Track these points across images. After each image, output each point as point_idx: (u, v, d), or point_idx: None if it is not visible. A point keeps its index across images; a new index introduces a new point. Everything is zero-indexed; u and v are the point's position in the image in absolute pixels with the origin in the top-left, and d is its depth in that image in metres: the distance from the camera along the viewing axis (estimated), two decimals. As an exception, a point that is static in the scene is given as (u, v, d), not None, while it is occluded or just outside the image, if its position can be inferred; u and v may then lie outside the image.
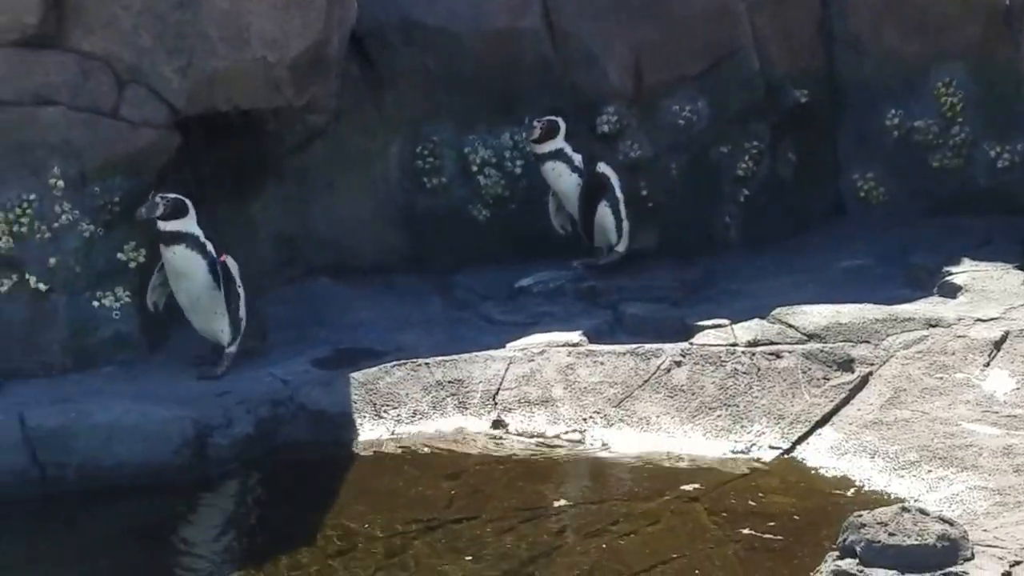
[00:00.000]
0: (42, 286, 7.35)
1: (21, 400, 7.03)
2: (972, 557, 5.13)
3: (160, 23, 7.43)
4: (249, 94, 7.66)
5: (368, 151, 8.55)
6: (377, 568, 5.82)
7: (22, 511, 6.51)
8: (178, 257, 7.35)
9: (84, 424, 6.80)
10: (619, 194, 8.36)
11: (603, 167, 8.32)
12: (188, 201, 7.31)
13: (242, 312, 7.41)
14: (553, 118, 8.29)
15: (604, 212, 8.37)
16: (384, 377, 7.30)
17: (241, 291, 7.39)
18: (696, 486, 6.42)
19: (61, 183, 7.37)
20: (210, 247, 7.34)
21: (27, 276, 7.33)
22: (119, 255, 7.55)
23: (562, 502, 6.48)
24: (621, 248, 8.45)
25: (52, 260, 7.36)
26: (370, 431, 7.08)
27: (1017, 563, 5.16)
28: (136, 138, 7.50)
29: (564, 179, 8.34)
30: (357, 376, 7.29)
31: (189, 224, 7.32)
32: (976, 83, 9.04)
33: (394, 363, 7.38)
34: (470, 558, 5.89)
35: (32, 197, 7.32)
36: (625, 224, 8.41)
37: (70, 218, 7.42)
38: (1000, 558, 5.18)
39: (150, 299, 7.54)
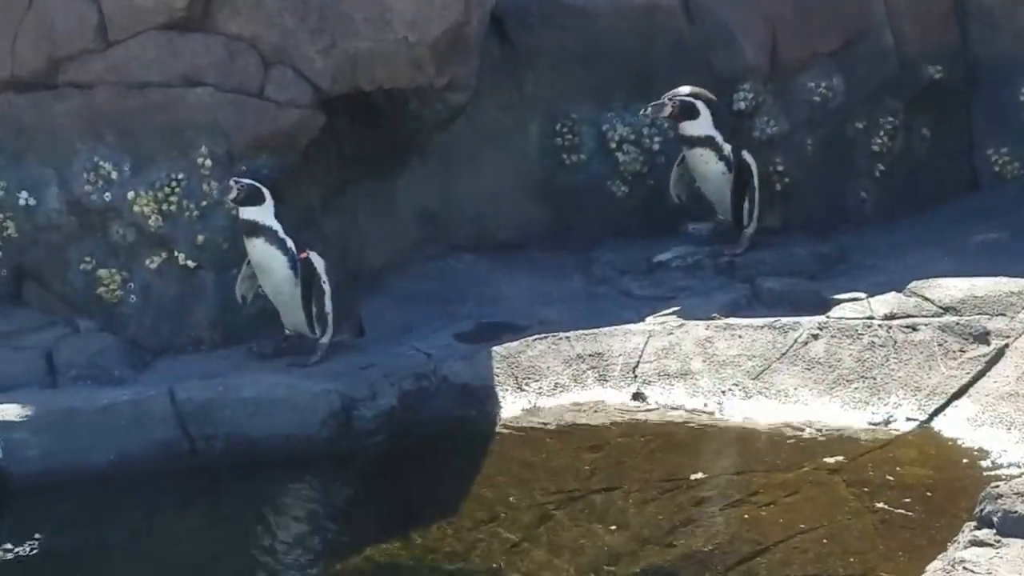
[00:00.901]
0: (190, 263, 7.27)
1: (171, 375, 7.04)
2: None
3: (303, 5, 7.37)
4: (391, 74, 7.50)
5: (508, 129, 8.42)
6: (521, 539, 5.77)
7: (173, 483, 6.49)
8: (257, 251, 7.19)
9: (232, 398, 6.75)
10: (756, 182, 8.12)
11: (747, 156, 8.07)
12: (265, 190, 7.12)
13: (328, 307, 7.19)
14: (689, 100, 7.97)
15: (745, 201, 8.16)
16: (525, 351, 7.14)
17: (327, 287, 7.16)
18: (834, 458, 6.25)
19: (209, 162, 7.28)
20: (290, 243, 7.11)
21: (176, 253, 7.26)
22: None
23: (701, 474, 6.31)
24: (750, 230, 8.16)
25: (200, 238, 7.28)
26: (511, 404, 6.92)
27: None
28: (282, 118, 7.41)
29: (711, 167, 8.05)
30: (499, 350, 7.14)
31: (266, 215, 7.11)
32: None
33: (535, 337, 7.23)
34: (612, 528, 5.85)
35: (181, 176, 7.24)
36: (756, 209, 8.16)
37: (218, 196, 7.32)
38: None
39: (239, 291, 7.34)
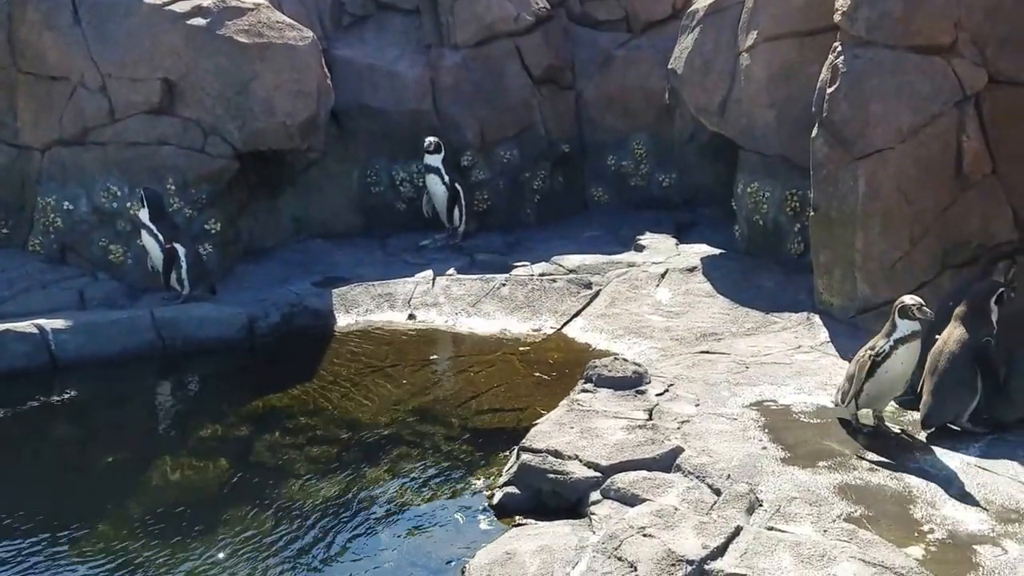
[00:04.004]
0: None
1: (150, 304, 6.82)
2: (649, 382, 5.34)
3: (227, 102, 7.28)
4: (276, 141, 7.46)
5: (340, 172, 8.26)
6: (347, 391, 5.87)
7: (153, 364, 6.39)
8: (144, 239, 6.85)
9: (187, 315, 6.68)
10: (463, 201, 7.96)
11: (458, 184, 7.97)
12: (147, 203, 6.74)
13: (184, 276, 6.79)
14: (435, 141, 7.92)
15: (459, 208, 8.08)
16: (349, 291, 7.16)
17: (184, 263, 6.76)
18: (513, 348, 6.42)
19: (173, 188, 7.23)
20: (161, 237, 6.73)
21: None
22: (206, 226, 7.35)
23: (443, 357, 6.50)
24: (461, 229, 8.06)
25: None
26: (342, 320, 6.92)
27: (671, 385, 5.36)
28: (214, 164, 7.34)
29: (438, 187, 7.96)
30: (336, 291, 7.14)
31: (145, 216, 6.74)
32: None
33: (355, 284, 7.23)
34: (396, 386, 5.95)
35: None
36: (464, 217, 8.05)
37: (179, 206, 7.23)
38: (662, 381, 5.39)
39: (148, 263, 6.95)
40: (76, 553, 4.38)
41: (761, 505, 4.07)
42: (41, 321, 6.32)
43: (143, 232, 6.85)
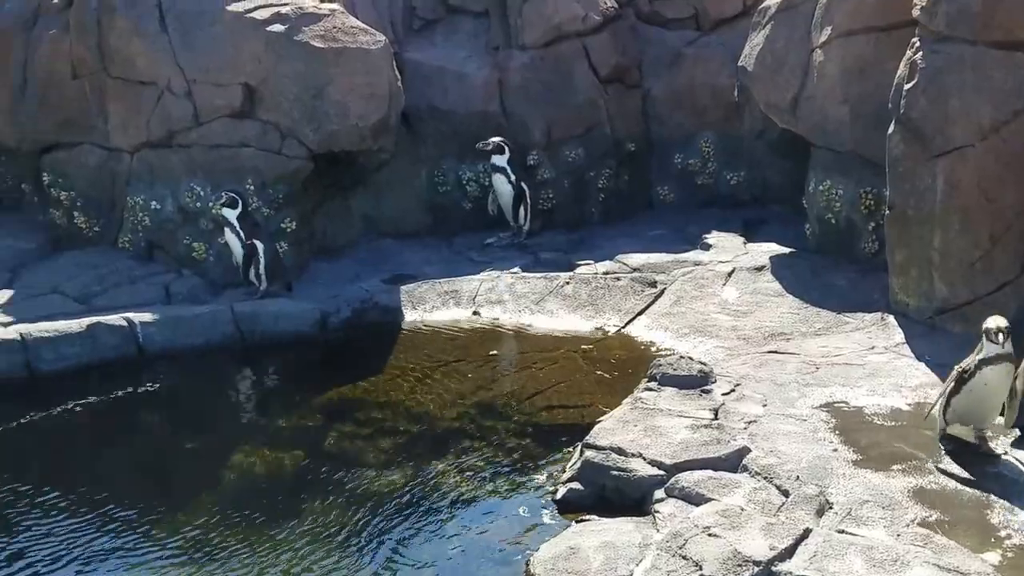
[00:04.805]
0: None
1: (231, 299, 6.85)
2: (715, 381, 5.20)
3: (302, 106, 7.22)
4: (349, 143, 7.38)
5: (410, 173, 8.16)
6: (414, 385, 5.85)
7: (233, 356, 6.42)
8: (226, 235, 6.87)
9: (264, 311, 6.71)
10: (528, 200, 7.86)
11: (523, 184, 7.84)
12: (239, 200, 6.78)
13: (262, 271, 6.78)
14: (499, 142, 7.73)
15: (524, 207, 7.93)
16: (417, 288, 7.07)
17: (263, 259, 6.77)
18: (576, 346, 6.31)
19: (252, 187, 7.20)
20: (243, 233, 6.75)
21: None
22: (282, 224, 7.30)
23: (507, 353, 6.32)
24: (526, 228, 7.92)
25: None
26: (409, 316, 6.84)
27: (738, 384, 5.24)
28: (290, 165, 7.31)
29: (504, 186, 7.84)
30: (404, 288, 7.07)
31: (232, 215, 6.78)
32: None
33: (422, 281, 7.15)
34: (461, 380, 5.92)
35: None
36: (528, 216, 7.91)
37: (257, 205, 7.20)
38: (728, 381, 5.27)
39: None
40: (158, 535, 4.43)
41: (831, 508, 3.95)
42: (130, 315, 6.41)
43: (226, 229, 6.88)
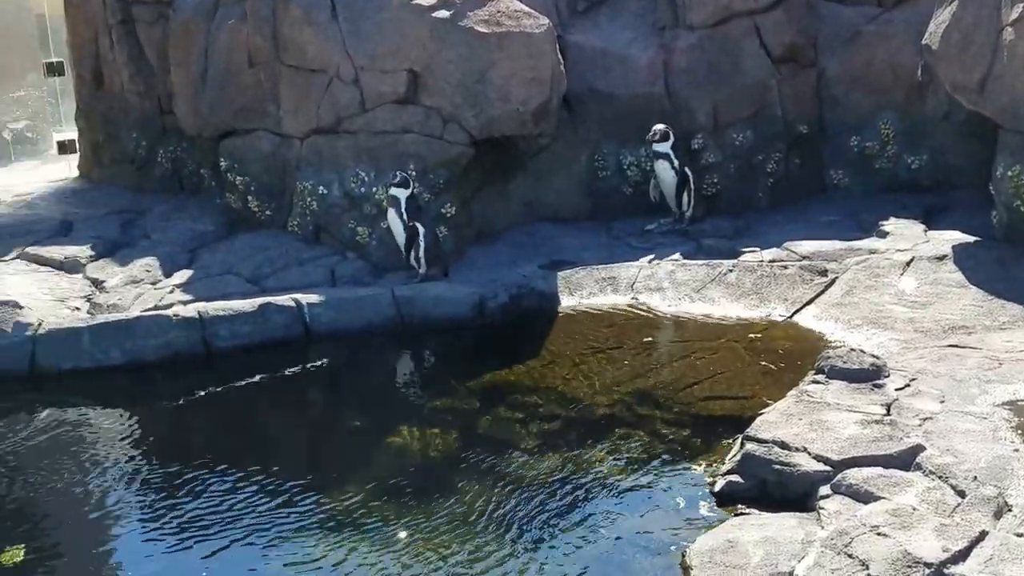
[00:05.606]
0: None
1: (392, 282, 7.13)
2: (889, 375, 5.08)
3: (464, 90, 7.42)
4: (510, 128, 7.56)
5: (569, 157, 8.29)
6: (570, 371, 5.92)
7: (394, 337, 6.63)
8: (390, 216, 7.02)
9: (424, 295, 6.88)
10: (691, 186, 7.79)
11: (687, 170, 7.86)
12: (409, 180, 6.97)
13: (422, 254, 6.94)
14: (664, 129, 7.77)
15: (687, 193, 7.90)
16: (574, 275, 7.13)
17: (423, 242, 6.94)
18: (738, 335, 6.26)
19: (414, 172, 7.37)
20: (406, 215, 6.91)
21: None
22: (442, 209, 7.53)
23: (667, 341, 6.33)
24: (688, 214, 7.95)
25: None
26: (566, 302, 6.95)
27: (913, 379, 5.11)
28: (452, 150, 7.51)
29: (667, 173, 7.85)
30: (561, 274, 7.18)
31: (402, 194, 6.93)
32: None
33: (580, 268, 7.16)
34: (618, 367, 5.95)
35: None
36: (692, 202, 7.92)
37: (418, 191, 7.28)
38: (903, 375, 5.14)
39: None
40: (316, 508, 4.64)
41: (1010, 510, 3.79)
42: (298, 296, 6.67)
43: (391, 211, 7.06)
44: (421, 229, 7.03)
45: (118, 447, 5.41)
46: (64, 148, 10.65)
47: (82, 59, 9.47)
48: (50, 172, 10.32)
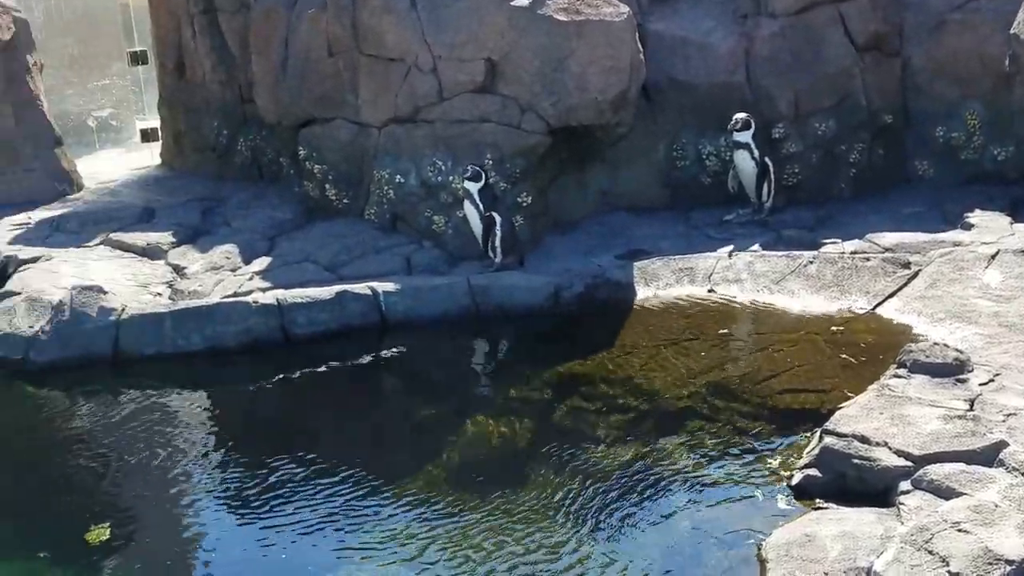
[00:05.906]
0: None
1: (468, 271, 7.22)
2: (972, 370, 5.03)
3: (542, 79, 7.42)
4: (588, 117, 7.54)
5: (647, 146, 8.23)
6: (645, 362, 5.95)
7: (468, 326, 6.70)
8: (466, 207, 7.12)
9: (499, 283, 6.94)
10: (772, 176, 7.77)
11: (767, 160, 7.76)
12: (482, 174, 7.03)
13: (497, 243, 7.01)
14: (746, 118, 7.66)
15: (767, 183, 7.83)
16: (651, 265, 7.18)
17: (499, 231, 7.01)
18: (818, 327, 6.19)
19: (491, 161, 7.45)
20: (482, 206, 7.00)
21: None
22: (518, 199, 7.56)
23: (744, 333, 6.32)
24: (768, 204, 7.87)
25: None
26: (643, 293, 6.95)
27: (998, 374, 5.05)
28: (529, 139, 7.52)
29: (747, 163, 7.76)
30: (637, 264, 7.16)
31: (475, 187, 7.02)
32: None
33: (656, 258, 7.23)
34: (695, 359, 5.95)
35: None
36: (772, 192, 7.84)
37: (495, 180, 7.38)
38: (987, 370, 5.08)
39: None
40: (390, 494, 4.73)
41: None
42: (374, 284, 6.75)
43: (466, 202, 7.13)
44: (498, 218, 7.10)
45: (199, 431, 5.56)
46: (147, 136, 10.79)
47: (165, 49, 9.68)
48: (133, 160, 10.53)
